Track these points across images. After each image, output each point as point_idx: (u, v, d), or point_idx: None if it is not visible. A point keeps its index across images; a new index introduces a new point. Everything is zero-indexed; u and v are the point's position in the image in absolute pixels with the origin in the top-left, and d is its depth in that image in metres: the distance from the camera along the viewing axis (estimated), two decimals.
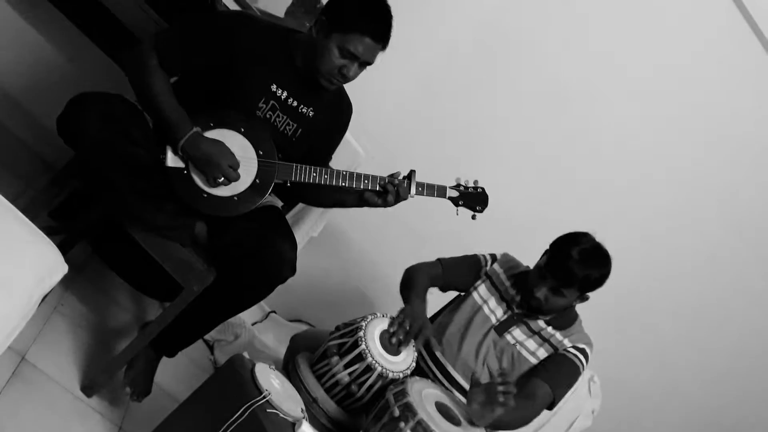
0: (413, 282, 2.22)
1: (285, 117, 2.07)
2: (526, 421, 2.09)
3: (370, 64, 2.00)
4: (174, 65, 1.96)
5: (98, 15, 2.27)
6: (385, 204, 2.10)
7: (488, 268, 2.34)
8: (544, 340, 2.20)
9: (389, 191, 2.07)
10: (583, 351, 2.18)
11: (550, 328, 2.21)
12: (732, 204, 3.19)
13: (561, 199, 3.07)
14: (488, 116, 3.04)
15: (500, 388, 1.78)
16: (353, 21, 1.92)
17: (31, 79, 2.35)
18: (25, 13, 2.35)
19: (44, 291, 1.37)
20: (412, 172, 2.13)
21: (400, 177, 2.11)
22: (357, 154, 2.67)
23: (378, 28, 1.95)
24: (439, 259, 2.35)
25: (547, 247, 2.19)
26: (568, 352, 2.17)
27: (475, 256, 2.37)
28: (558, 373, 2.14)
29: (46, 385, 1.95)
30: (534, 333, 2.21)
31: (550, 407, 2.14)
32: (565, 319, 2.23)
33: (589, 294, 2.17)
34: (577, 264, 2.06)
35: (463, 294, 2.35)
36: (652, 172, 3.13)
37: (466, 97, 3.01)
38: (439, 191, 2.16)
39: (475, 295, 2.30)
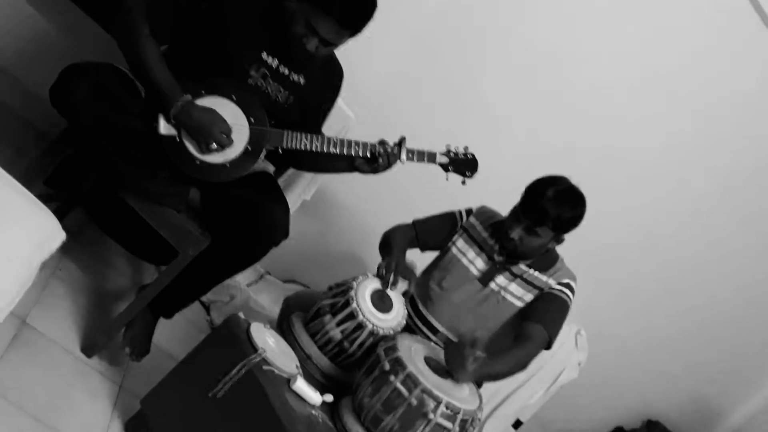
0: (391, 242, 2.26)
1: (276, 85, 2.09)
2: (523, 366, 2.12)
3: (333, 44, 2.00)
4: (165, 34, 1.96)
5: None
6: (375, 171, 2.15)
7: (464, 221, 2.35)
8: (528, 283, 2.22)
9: (380, 158, 2.11)
10: (568, 285, 2.21)
11: (532, 270, 2.22)
12: (719, 162, 3.22)
13: (551, 163, 3.09)
14: (479, 82, 3.04)
15: (468, 353, 1.84)
16: None
17: (22, 50, 2.35)
18: None
19: (43, 258, 1.41)
20: (402, 139, 2.16)
21: (390, 144, 2.14)
22: (348, 118, 2.70)
23: (345, 13, 1.93)
24: (413, 221, 2.38)
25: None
26: (554, 289, 2.20)
27: (450, 212, 2.39)
28: (548, 312, 2.17)
29: (47, 346, 2.01)
30: (516, 276, 2.23)
31: (548, 347, 2.16)
32: (547, 261, 2.25)
33: (564, 236, 2.19)
34: (549, 202, 2.08)
35: (441, 250, 2.37)
36: (640, 132, 3.15)
37: (458, 63, 3.01)
38: (429, 157, 2.20)
39: (453, 249, 2.32)
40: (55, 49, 2.36)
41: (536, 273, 2.23)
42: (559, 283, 2.21)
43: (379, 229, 2.49)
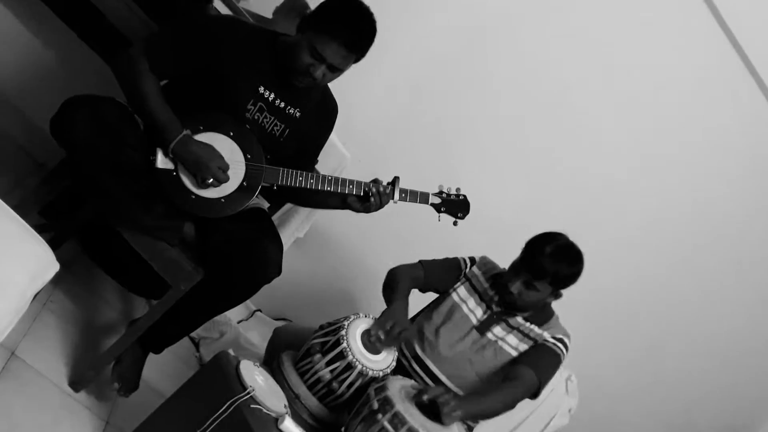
0: (395, 284, 2.25)
1: (272, 118, 2.11)
2: (509, 406, 2.12)
3: (340, 70, 2.03)
4: (164, 69, 1.99)
5: (90, 16, 2.31)
6: (367, 210, 2.16)
7: (467, 270, 2.39)
8: (524, 335, 2.25)
9: (372, 198, 2.13)
10: (561, 341, 2.23)
11: (528, 324, 2.25)
12: (713, 209, 3.24)
13: (543, 207, 3.12)
14: (473, 124, 3.08)
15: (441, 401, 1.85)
16: (327, 23, 1.96)
17: (25, 79, 2.38)
18: (20, 14, 2.38)
19: (36, 289, 1.41)
20: (396, 179, 2.18)
21: (384, 183, 2.16)
22: (343, 157, 2.72)
23: (350, 35, 1.97)
24: (420, 261, 2.39)
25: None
26: (548, 341, 2.22)
27: (455, 259, 2.42)
28: (540, 360, 2.19)
29: (35, 380, 1.99)
30: (513, 329, 2.25)
31: (535, 395, 2.17)
32: (542, 316, 2.28)
33: (563, 291, 2.23)
34: (548, 258, 2.13)
35: (441, 295, 2.39)
36: (633, 177, 3.18)
37: (452, 104, 3.05)
38: (422, 198, 2.22)
39: (454, 295, 2.34)
40: (56, 81, 2.39)
41: (532, 326, 2.26)
42: (554, 337, 2.24)
43: (371, 269, 2.50)
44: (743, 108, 3.09)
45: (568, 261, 2.17)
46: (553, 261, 2.13)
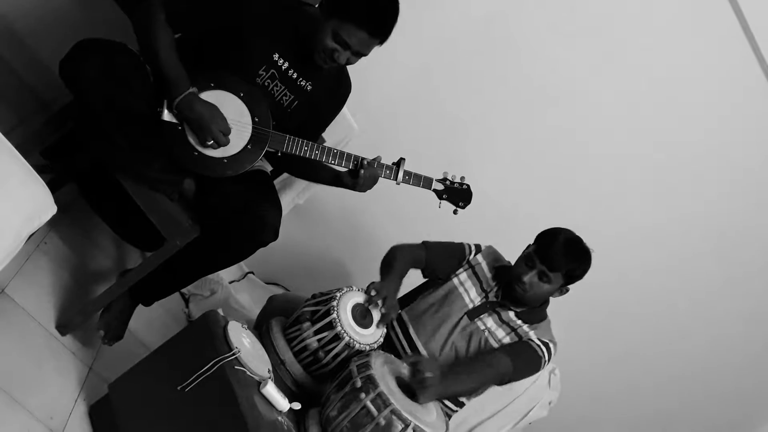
0: (394, 262, 2.25)
1: (283, 87, 2.10)
2: (477, 387, 2.16)
3: (364, 55, 2.03)
4: (181, 23, 1.96)
5: None
6: (355, 185, 2.14)
7: (471, 257, 2.38)
8: (512, 329, 2.25)
9: (361, 171, 2.10)
10: (546, 345, 2.23)
11: (518, 321, 2.26)
12: (716, 215, 3.22)
13: (546, 202, 3.10)
14: (486, 114, 3.05)
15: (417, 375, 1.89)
16: (352, 11, 1.94)
17: (38, 18, 2.34)
18: None
19: (32, 229, 1.41)
20: (401, 160, 2.17)
21: (389, 163, 2.15)
22: (350, 128, 2.70)
23: (375, 24, 1.97)
24: (424, 242, 2.38)
25: (531, 241, 2.26)
26: (532, 341, 2.22)
27: (460, 244, 2.41)
28: (520, 355, 2.20)
29: (22, 319, 1.99)
30: (503, 323, 2.26)
31: (503, 383, 2.19)
32: (535, 315, 2.28)
33: (569, 287, 2.24)
34: (564, 251, 2.15)
35: (442, 279, 2.38)
36: (641, 176, 3.16)
37: (468, 92, 3.02)
38: (425, 182, 2.21)
39: (455, 280, 2.35)
40: (70, 22, 2.35)
41: (522, 324, 2.27)
42: (540, 339, 2.24)
43: (367, 245, 2.49)
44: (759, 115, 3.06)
45: (581, 256, 2.19)
46: (567, 254, 2.16)
